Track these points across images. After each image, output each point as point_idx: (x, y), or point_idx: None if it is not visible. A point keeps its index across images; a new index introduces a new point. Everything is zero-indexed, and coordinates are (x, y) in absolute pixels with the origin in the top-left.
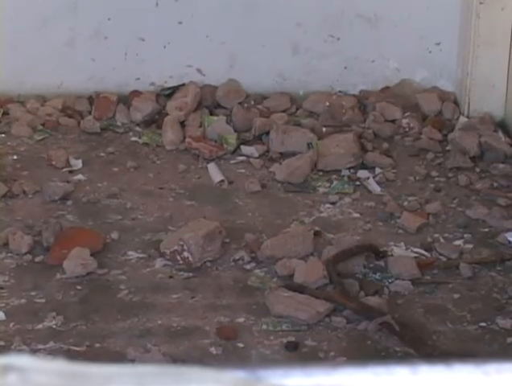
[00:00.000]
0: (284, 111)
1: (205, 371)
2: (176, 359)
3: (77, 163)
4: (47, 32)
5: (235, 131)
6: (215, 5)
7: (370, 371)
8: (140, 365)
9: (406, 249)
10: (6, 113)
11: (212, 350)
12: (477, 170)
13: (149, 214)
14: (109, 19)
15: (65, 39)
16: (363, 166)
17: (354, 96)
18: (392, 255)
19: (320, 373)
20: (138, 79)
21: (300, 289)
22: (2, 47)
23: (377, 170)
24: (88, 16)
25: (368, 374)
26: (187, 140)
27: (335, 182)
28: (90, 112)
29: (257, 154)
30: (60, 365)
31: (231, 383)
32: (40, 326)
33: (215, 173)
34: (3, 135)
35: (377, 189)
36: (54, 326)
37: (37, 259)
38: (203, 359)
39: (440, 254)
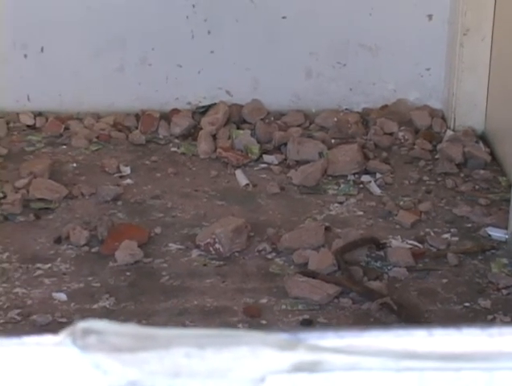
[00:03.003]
0: (299, 126)
1: (254, 334)
2: None
3: (126, 170)
4: (102, 60)
5: (258, 142)
6: (241, 37)
7: (393, 333)
8: (198, 329)
9: (402, 241)
10: (67, 128)
11: (240, 326)
12: (462, 175)
13: (186, 212)
14: (152, 49)
15: (116, 66)
16: (366, 172)
17: (358, 113)
18: (390, 246)
19: (350, 335)
20: (177, 99)
21: (313, 274)
22: (64, 73)
23: (378, 175)
24: (135, 47)
25: (391, 335)
26: (218, 150)
27: (342, 186)
28: (137, 127)
29: (276, 162)
30: (132, 328)
31: (275, 344)
32: (96, 305)
33: (241, 178)
34: (65, 146)
35: (377, 191)
36: (107, 306)
37: (93, 250)
38: None
39: (431, 245)
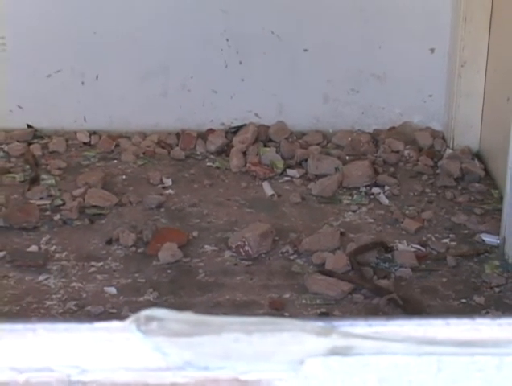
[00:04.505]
0: (318, 144)
1: (294, 321)
2: None
3: (168, 181)
4: (147, 86)
5: (282, 158)
6: (268, 67)
7: (415, 322)
8: (244, 317)
9: (407, 245)
10: (117, 145)
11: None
12: (459, 187)
13: (220, 218)
14: (191, 77)
15: (160, 91)
16: (375, 185)
17: (369, 133)
18: (397, 249)
19: (377, 323)
20: (212, 120)
21: (330, 273)
22: (115, 97)
23: (386, 188)
24: (176, 75)
25: (413, 324)
26: (247, 165)
27: (355, 196)
28: (177, 145)
29: (298, 175)
30: (188, 315)
31: (313, 330)
32: (141, 298)
33: (267, 189)
34: (115, 161)
35: (385, 201)
36: (151, 299)
37: (139, 250)
38: None
39: (432, 249)
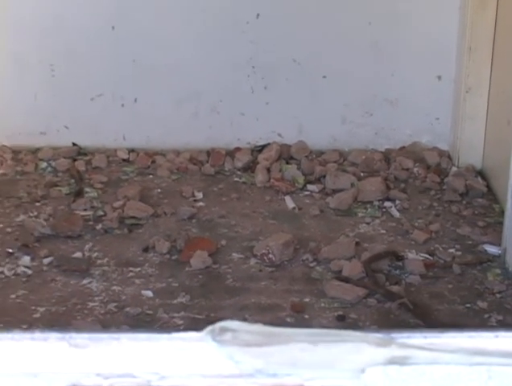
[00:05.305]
0: (335, 162)
1: (356, 333)
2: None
3: (199, 195)
4: (181, 108)
5: (303, 174)
6: (290, 92)
7: (466, 334)
8: (310, 329)
9: (417, 254)
10: (153, 162)
11: (288, 319)
12: (464, 202)
13: (246, 229)
14: (221, 101)
15: (192, 113)
16: (387, 199)
17: (382, 152)
18: (407, 258)
19: (432, 335)
20: (239, 139)
21: (346, 279)
22: (152, 118)
23: (397, 202)
24: (207, 98)
25: (464, 336)
26: (271, 180)
27: (369, 209)
28: (207, 162)
29: (317, 190)
30: (259, 327)
31: (373, 341)
32: (175, 301)
33: (289, 202)
34: (151, 176)
35: (396, 214)
36: (184, 302)
37: (173, 257)
38: (281, 326)
39: (439, 258)
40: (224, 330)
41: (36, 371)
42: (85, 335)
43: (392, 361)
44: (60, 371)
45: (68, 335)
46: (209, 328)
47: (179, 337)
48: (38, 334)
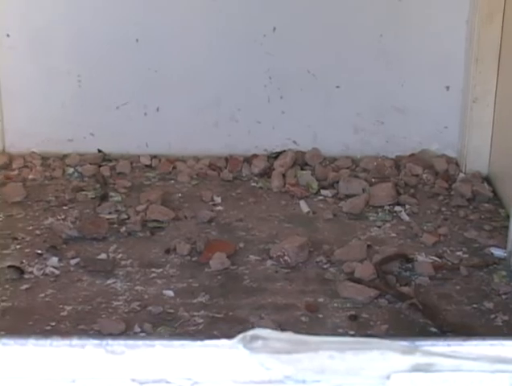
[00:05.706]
0: (348, 168)
1: (382, 341)
2: (280, 324)
3: (218, 199)
4: (201, 117)
5: (317, 180)
6: (305, 101)
7: (488, 342)
8: (338, 337)
9: (426, 257)
10: (174, 168)
11: (302, 318)
12: (471, 207)
13: (262, 232)
14: (239, 109)
15: (212, 121)
16: (398, 204)
17: (392, 159)
18: (416, 260)
19: (455, 343)
20: (256, 147)
21: (358, 281)
22: (173, 126)
23: (407, 206)
24: (226, 107)
25: (487, 344)
26: (286, 185)
27: (380, 214)
28: (226, 168)
29: (330, 195)
30: (289, 335)
31: (399, 349)
32: (195, 300)
33: (304, 206)
34: (173, 181)
35: (406, 218)
36: (203, 301)
37: (193, 259)
38: (296, 324)
39: (447, 260)
40: (255, 337)
41: (74, 376)
42: (121, 342)
43: (416, 368)
44: (97, 376)
45: (104, 342)
46: (241, 336)
47: (212, 344)
48: (76, 341)
